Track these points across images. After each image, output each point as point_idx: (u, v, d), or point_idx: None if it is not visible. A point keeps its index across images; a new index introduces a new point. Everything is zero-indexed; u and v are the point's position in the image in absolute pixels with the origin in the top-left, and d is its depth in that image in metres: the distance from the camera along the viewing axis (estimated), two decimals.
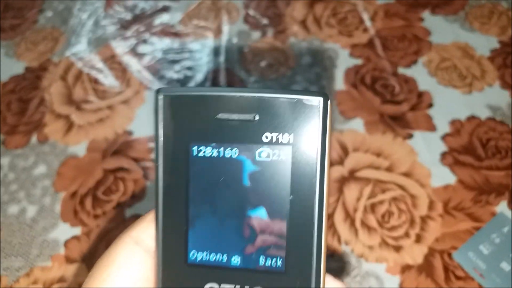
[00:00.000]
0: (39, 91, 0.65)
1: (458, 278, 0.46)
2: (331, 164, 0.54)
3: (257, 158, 0.17)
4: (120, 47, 0.69)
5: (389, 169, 0.53)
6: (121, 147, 0.58)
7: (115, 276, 0.18)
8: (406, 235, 0.48)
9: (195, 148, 0.17)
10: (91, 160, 0.57)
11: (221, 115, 0.17)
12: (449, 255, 0.47)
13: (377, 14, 0.70)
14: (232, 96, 0.17)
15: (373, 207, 0.50)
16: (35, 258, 0.50)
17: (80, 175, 0.56)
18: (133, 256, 0.18)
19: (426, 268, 0.46)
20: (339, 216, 0.50)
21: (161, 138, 0.18)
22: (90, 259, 0.49)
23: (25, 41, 0.72)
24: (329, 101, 0.16)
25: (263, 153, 0.17)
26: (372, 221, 0.49)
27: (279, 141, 0.17)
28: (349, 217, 0.50)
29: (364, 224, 0.49)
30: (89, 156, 0.57)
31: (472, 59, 0.63)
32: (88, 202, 0.53)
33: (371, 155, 0.55)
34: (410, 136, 0.56)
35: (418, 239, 0.48)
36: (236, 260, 0.18)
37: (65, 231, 0.52)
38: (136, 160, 0.56)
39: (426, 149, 0.55)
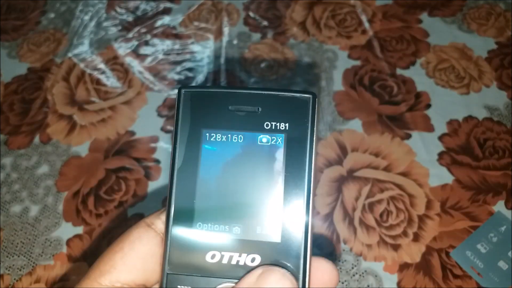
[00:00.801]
0: (41, 92, 0.66)
1: (455, 276, 0.46)
2: (330, 164, 0.55)
3: (259, 143, 0.20)
4: (122, 48, 0.70)
5: (387, 168, 0.54)
6: (123, 147, 0.58)
7: (126, 250, 0.20)
8: (404, 234, 0.49)
9: (207, 134, 0.21)
10: (93, 160, 0.58)
11: (232, 107, 0.21)
12: (447, 253, 0.48)
13: (375, 15, 0.70)
14: (241, 92, 0.21)
15: (371, 206, 0.51)
16: (38, 257, 0.50)
17: (82, 175, 0.56)
18: (144, 236, 0.21)
19: (424, 266, 0.47)
20: (338, 215, 0.51)
21: (179, 126, 0.21)
22: (92, 258, 0.50)
23: (28, 42, 0.72)
24: (316, 99, 0.20)
25: (264, 138, 0.20)
26: (370, 220, 0.50)
27: (277, 128, 0.20)
28: (348, 216, 0.51)
29: (362, 223, 0.50)
30: (91, 156, 0.58)
31: (469, 60, 0.64)
32: (91, 202, 0.54)
33: (370, 155, 0.55)
34: (408, 136, 0.57)
35: (416, 238, 0.49)
36: (237, 230, 0.20)
37: (67, 230, 0.52)
38: (138, 160, 0.57)
39: (424, 149, 0.55)
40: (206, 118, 0.21)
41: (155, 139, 0.59)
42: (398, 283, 0.46)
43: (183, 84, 0.65)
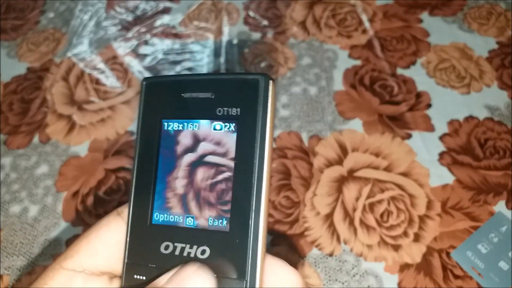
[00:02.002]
0: (41, 92, 0.65)
1: (456, 277, 0.46)
2: (330, 164, 0.55)
3: (213, 130, 0.20)
4: (121, 48, 0.70)
5: (387, 169, 0.54)
6: (122, 147, 0.58)
7: (92, 236, 0.20)
8: (405, 234, 0.49)
9: (165, 123, 0.21)
10: (92, 160, 0.57)
11: (186, 94, 0.20)
12: (448, 254, 0.47)
13: (376, 15, 0.70)
14: (193, 79, 0.21)
15: (372, 207, 0.51)
16: (37, 257, 0.50)
17: (81, 175, 0.56)
18: (112, 224, 0.21)
19: (424, 267, 0.47)
20: (338, 215, 0.51)
21: (141, 116, 0.21)
22: None
23: (27, 42, 0.72)
24: (270, 81, 0.19)
25: (217, 125, 0.20)
26: (371, 220, 0.50)
27: (229, 114, 0.20)
28: (348, 217, 0.50)
29: (363, 223, 0.50)
30: (90, 156, 0.58)
31: (470, 59, 0.64)
32: (90, 202, 0.54)
33: (370, 155, 0.55)
34: (408, 136, 0.56)
35: (417, 238, 0.49)
36: (190, 221, 0.20)
37: (67, 230, 0.52)
38: None
39: (424, 149, 0.55)
40: (164, 107, 0.21)
41: None
42: (399, 284, 0.46)
43: None
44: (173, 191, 0.20)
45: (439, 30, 0.67)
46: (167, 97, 0.21)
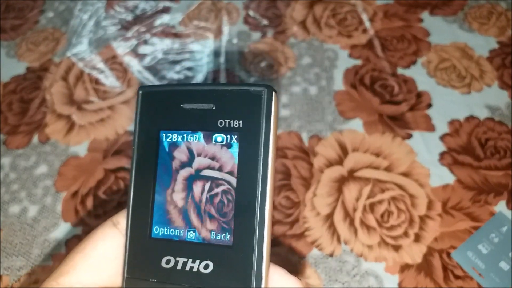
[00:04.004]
0: (40, 91, 0.65)
1: (457, 277, 0.46)
2: (331, 164, 0.55)
3: (214, 142, 0.19)
4: (121, 48, 0.69)
5: (388, 169, 0.53)
6: (122, 147, 0.58)
7: (88, 250, 0.20)
8: (405, 234, 0.49)
9: (163, 134, 0.20)
10: (92, 160, 0.57)
11: (186, 105, 0.20)
12: (448, 254, 0.47)
13: (376, 14, 0.70)
14: (193, 90, 0.20)
15: (372, 207, 0.51)
16: (36, 257, 0.50)
17: (81, 175, 0.56)
18: (108, 236, 0.20)
19: (425, 267, 0.47)
20: (338, 216, 0.50)
21: (138, 127, 0.20)
22: None
23: (26, 41, 0.72)
24: (273, 92, 0.19)
25: (218, 137, 0.19)
26: (371, 220, 0.50)
27: (231, 126, 0.19)
28: (349, 217, 0.50)
29: (363, 223, 0.50)
30: (90, 156, 0.58)
31: (471, 59, 0.63)
32: (89, 202, 0.54)
33: (371, 155, 0.55)
34: (409, 136, 0.56)
35: (417, 238, 0.48)
36: (191, 235, 0.19)
37: (66, 230, 0.52)
38: None
39: (425, 149, 0.55)
40: (163, 118, 0.20)
41: None
42: (399, 284, 0.46)
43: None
44: (173, 204, 0.20)
45: (439, 29, 0.67)
46: (166, 107, 0.20)
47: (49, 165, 0.57)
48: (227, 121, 0.19)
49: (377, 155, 0.55)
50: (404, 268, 0.47)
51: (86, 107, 0.63)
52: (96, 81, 0.65)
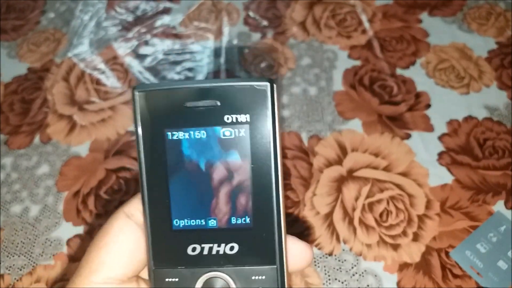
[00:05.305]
0: (41, 92, 0.66)
1: (455, 276, 0.46)
2: (330, 164, 0.55)
3: (222, 137, 0.20)
4: (121, 48, 0.70)
5: (387, 168, 0.54)
6: (123, 147, 0.58)
7: (111, 245, 0.20)
8: (404, 233, 0.49)
9: (169, 133, 0.21)
10: (93, 160, 0.58)
11: (189, 103, 0.20)
12: (447, 253, 0.48)
13: (375, 15, 0.70)
14: (196, 88, 0.20)
15: (371, 206, 0.51)
16: (38, 257, 0.50)
17: (82, 174, 0.56)
18: (126, 228, 0.21)
19: (423, 266, 0.47)
20: (337, 215, 0.51)
21: (140, 128, 0.21)
22: None
23: (27, 42, 0.72)
24: (274, 85, 0.20)
25: (227, 132, 0.20)
26: (370, 220, 0.50)
27: (239, 121, 0.20)
28: (348, 216, 0.51)
29: (362, 223, 0.50)
30: (91, 156, 0.58)
31: (469, 60, 0.64)
32: (91, 202, 0.54)
33: (370, 155, 0.55)
34: (408, 136, 0.57)
35: (416, 237, 0.49)
36: (212, 222, 0.21)
37: (67, 230, 0.52)
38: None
39: (423, 149, 0.55)
40: (166, 117, 0.21)
41: None
42: (398, 283, 0.46)
43: None
44: (190, 196, 0.21)
45: (438, 30, 0.67)
46: (168, 106, 0.21)
47: (51, 165, 0.58)
48: (234, 116, 0.20)
49: (376, 155, 0.55)
50: (403, 267, 0.47)
51: (87, 107, 0.63)
52: (97, 82, 0.66)
